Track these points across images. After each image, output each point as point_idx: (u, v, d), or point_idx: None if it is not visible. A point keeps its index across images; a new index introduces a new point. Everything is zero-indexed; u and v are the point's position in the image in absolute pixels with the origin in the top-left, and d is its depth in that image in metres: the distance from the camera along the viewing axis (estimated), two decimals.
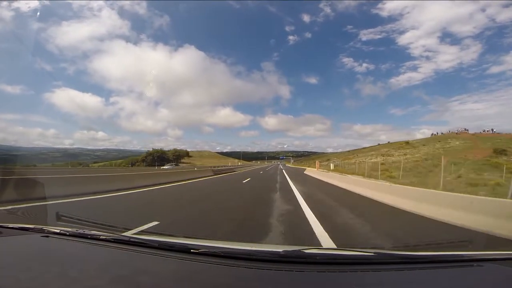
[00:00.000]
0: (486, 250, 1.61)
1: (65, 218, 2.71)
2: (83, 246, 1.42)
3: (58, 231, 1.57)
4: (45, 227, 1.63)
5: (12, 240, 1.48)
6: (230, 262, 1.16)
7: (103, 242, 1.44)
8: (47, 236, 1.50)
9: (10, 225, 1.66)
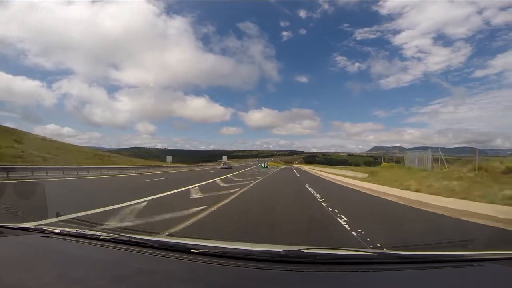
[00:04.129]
0: (487, 250, 1.61)
1: (65, 218, 2.72)
2: (84, 246, 1.42)
3: (59, 231, 1.57)
4: (45, 227, 1.63)
5: (12, 240, 1.48)
6: (230, 262, 1.16)
7: (103, 242, 1.44)
8: (48, 236, 1.51)
9: (11, 225, 1.66)
